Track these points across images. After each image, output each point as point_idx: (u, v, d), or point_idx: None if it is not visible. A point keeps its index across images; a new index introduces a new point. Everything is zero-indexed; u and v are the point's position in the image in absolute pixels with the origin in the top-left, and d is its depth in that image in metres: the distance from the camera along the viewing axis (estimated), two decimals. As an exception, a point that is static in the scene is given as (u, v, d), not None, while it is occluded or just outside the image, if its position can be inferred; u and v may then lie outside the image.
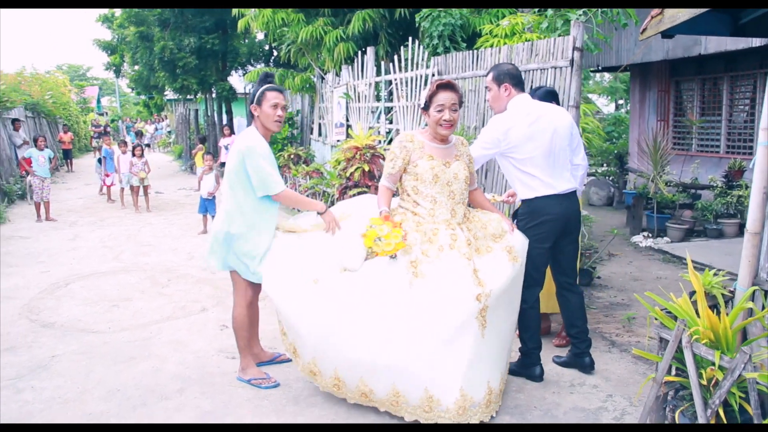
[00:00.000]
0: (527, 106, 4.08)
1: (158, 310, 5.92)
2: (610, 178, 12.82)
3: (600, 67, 13.36)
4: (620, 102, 26.97)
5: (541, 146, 4.01)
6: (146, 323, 5.57)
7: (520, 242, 3.91)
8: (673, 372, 3.39)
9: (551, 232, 4.10)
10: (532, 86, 5.88)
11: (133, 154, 12.47)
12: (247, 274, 4.07)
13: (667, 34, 6.21)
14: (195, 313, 5.81)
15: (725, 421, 3.00)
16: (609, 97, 30.55)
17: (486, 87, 4.27)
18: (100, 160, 14.51)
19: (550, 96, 4.60)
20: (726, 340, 3.10)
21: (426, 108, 3.72)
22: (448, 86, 3.66)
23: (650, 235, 8.67)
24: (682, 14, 5.28)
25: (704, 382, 3.07)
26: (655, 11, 5.58)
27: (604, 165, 14.05)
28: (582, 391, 4.12)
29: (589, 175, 13.74)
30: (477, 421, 3.50)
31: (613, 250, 8.17)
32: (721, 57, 10.61)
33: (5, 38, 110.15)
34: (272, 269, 3.91)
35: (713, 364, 3.04)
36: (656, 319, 3.48)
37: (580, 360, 4.40)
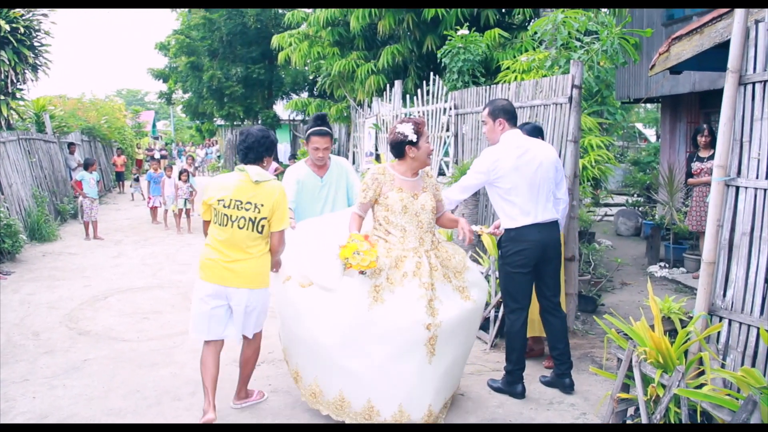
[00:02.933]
0: (517, 140, 4.46)
1: (185, 323, 6.40)
2: (639, 209, 12.95)
3: (631, 99, 13.57)
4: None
5: (525, 177, 4.38)
6: (172, 334, 6.08)
7: (475, 280, 4.20)
8: (640, 390, 3.67)
9: (530, 258, 4.45)
10: (536, 120, 6.26)
11: (179, 179, 13.18)
12: None
13: (675, 70, 6.52)
14: (217, 327, 6.29)
15: (665, 433, 3.30)
16: (653, 127, 30.51)
17: (482, 121, 4.67)
18: (137, 179, 15.42)
19: (536, 132, 5.01)
20: (670, 360, 3.41)
21: (415, 143, 4.01)
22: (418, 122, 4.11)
23: (666, 265, 8.84)
24: (686, 52, 5.62)
25: (646, 398, 3.38)
26: (662, 48, 5.92)
27: (635, 195, 14.18)
28: (559, 409, 4.42)
29: (615, 205, 13.91)
30: None
31: (627, 279, 8.39)
32: (747, 91, 10.73)
33: (71, 64, 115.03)
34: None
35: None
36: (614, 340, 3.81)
37: (561, 380, 4.70)
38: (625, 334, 3.79)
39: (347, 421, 3.92)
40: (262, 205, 3.93)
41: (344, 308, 3.86)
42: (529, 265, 4.46)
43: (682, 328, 3.77)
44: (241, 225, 3.92)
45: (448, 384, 4.06)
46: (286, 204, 4.06)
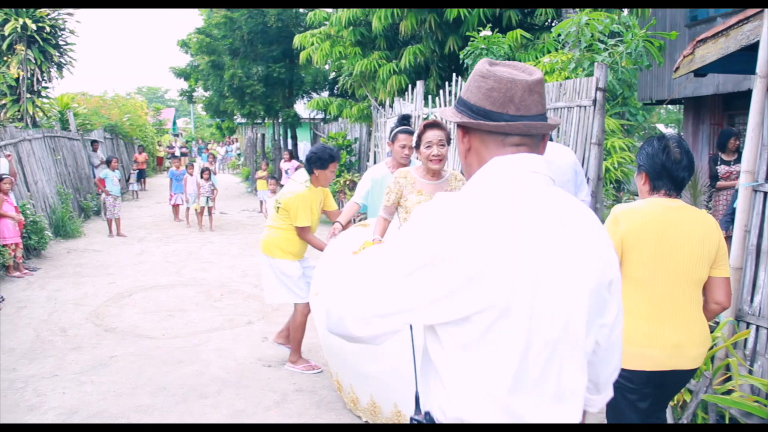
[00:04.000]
0: None
1: (209, 321, 6.50)
2: (660, 211, 12.87)
3: (653, 100, 13.50)
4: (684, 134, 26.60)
5: None
6: (197, 332, 6.15)
7: None
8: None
9: None
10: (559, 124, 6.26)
11: (201, 177, 13.30)
12: None
13: (700, 72, 6.47)
14: (241, 325, 6.36)
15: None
16: (675, 128, 30.29)
17: None
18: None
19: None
20: (697, 365, 3.40)
21: (417, 146, 4.03)
22: (435, 125, 3.97)
23: (689, 268, 8.78)
24: (711, 54, 5.57)
25: (673, 404, 3.38)
26: (686, 51, 5.88)
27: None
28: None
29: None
30: None
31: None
32: (772, 92, 10.64)
33: (93, 62, 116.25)
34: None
35: (684, 386, 3.36)
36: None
37: None
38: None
39: None
40: (282, 195, 5.14)
41: None
42: None
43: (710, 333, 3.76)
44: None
45: None
46: (298, 208, 4.97)
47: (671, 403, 3.40)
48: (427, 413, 1.53)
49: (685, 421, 3.30)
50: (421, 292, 1.40)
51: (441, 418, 1.48)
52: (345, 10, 11.64)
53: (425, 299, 1.40)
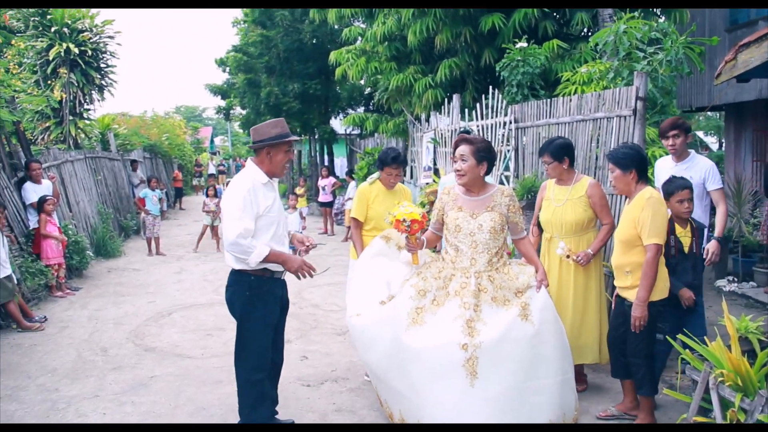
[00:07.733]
0: None
1: (247, 340, 6.48)
2: (704, 220, 12.54)
3: (693, 108, 13.22)
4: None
5: None
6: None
7: (540, 302, 3.89)
8: (718, 415, 3.50)
9: None
10: (599, 134, 6.14)
11: (206, 195, 13.36)
12: None
13: (743, 78, 6.29)
14: (279, 343, 6.33)
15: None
16: (715, 135, 29.69)
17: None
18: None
19: (566, 148, 4.87)
20: (750, 383, 3.26)
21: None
22: (461, 140, 4.00)
23: (735, 279, 8.53)
24: (755, 59, 5.42)
25: (726, 422, 3.24)
26: (728, 56, 5.73)
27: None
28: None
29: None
30: None
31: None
32: (819, 96, 10.34)
33: (134, 82, 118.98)
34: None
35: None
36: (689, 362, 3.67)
37: None
38: (700, 355, 3.65)
39: None
40: None
41: (385, 331, 3.95)
42: None
43: (761, 349, 3.61)
44: None
45: (512, 414, 3.68)
46: (355, 199, 5.31)
47: (725, 422, 3.26)
48: None
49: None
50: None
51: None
52: (380, 25, 11.65)
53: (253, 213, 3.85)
